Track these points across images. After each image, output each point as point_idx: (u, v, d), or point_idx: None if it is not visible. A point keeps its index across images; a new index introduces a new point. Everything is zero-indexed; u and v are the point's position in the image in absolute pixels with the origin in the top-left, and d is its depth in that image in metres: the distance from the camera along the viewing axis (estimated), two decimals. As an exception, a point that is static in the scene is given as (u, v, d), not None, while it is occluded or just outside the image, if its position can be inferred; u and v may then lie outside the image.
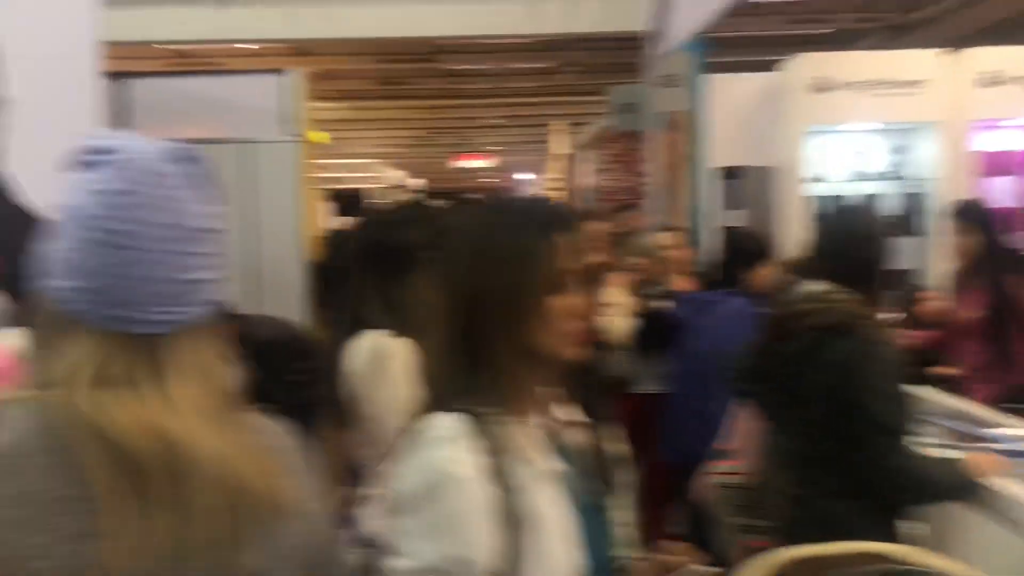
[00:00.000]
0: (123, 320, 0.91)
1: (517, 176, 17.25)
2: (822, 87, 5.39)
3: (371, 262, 1.98)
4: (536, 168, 15.87)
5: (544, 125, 12.60)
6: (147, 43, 7.22)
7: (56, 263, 0.93)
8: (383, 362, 1.88)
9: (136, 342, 0.92)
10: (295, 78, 7.03)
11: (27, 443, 0.89)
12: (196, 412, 0.92)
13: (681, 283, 4.02)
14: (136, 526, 0.87)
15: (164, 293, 0.92)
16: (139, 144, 0.94)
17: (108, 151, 0.93)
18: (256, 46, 8.03)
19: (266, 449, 0.97)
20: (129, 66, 6.88)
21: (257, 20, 7.08)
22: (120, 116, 6.17)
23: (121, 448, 0.88)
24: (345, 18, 7.11)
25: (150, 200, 0.92)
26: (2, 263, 4.41)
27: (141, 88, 6.91)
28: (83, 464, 0.87)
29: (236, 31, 7.14)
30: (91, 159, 0.93)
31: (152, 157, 0.93)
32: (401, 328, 1.88)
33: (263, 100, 7.20)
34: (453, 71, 9.27)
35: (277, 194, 6.66)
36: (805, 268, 2.42)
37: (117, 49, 5.30)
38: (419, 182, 17.53)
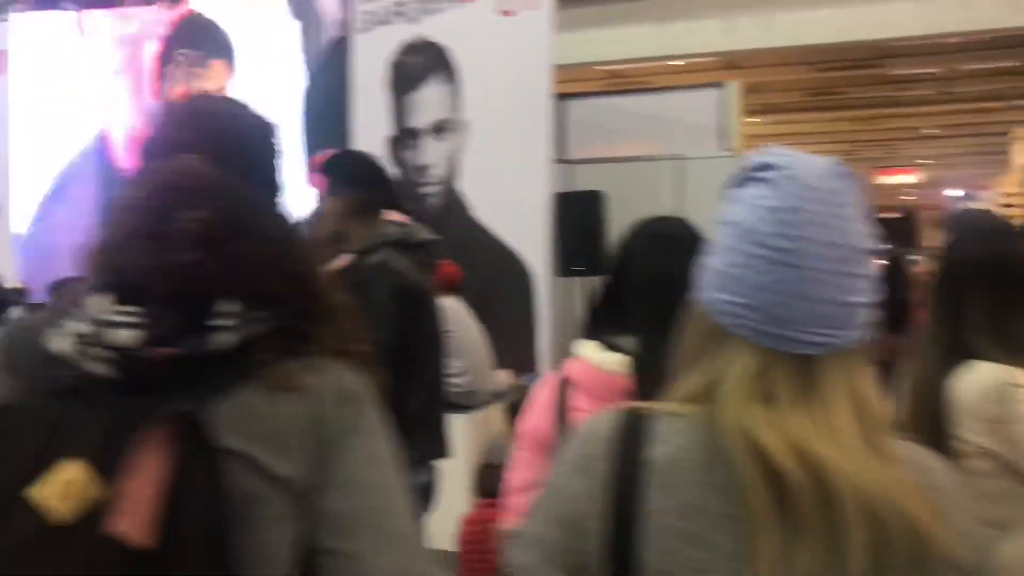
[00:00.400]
0: (779, 338, 0.89)
1: (948, 192, 15.54)
2: None
3: (982, 281, 1.64)
4: (974, 183, 14.15)
5: (1000, 133, 11.12)
6: (587, 65, 7.40)
7: (716, 276, 0.93)
8: (1014, 401, 1.54)
9: (790, 361, 0.90)
10: (731, 92, 6.81)
11: (684, 457, 0.89)
12: (848, 439, 0.87)
13: None
14: (786, 553, 0.84)
15: (824, 314, 0.89)
16: (805, 161, 0.92)
17: (774, 167, 0.92)
18: (682, 62, 7.96)
19: (924, 486, 0.88)
20: (565, 88, 7.12)
21: (695, 34, 6.97)
22: (558, 136, 6.34)
23: (773, 468, 0.85)
24: (786, 25, 6.74)
25: (817, 218, 0.89)
26: (459, 272, 4.62)
27: (577, 108, 7.14)
28: (740, 482, 0.86)
29: (674, 47, 7.08)
30: (757, 175, 0.92)
31: (818, 174, 0.91)
32: (1018, 359, 1.54)
33: (697, 116, 7.08)
34: (896, 77, 8.46)
35: (711, 211, 6.43)
36: None
37: (558, 72, 5.46)
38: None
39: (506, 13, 5.72)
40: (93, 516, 0.78)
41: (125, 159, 8.17)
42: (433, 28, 6.08)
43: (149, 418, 0.81)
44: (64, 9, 8.91)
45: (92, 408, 0.83)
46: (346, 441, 0.91)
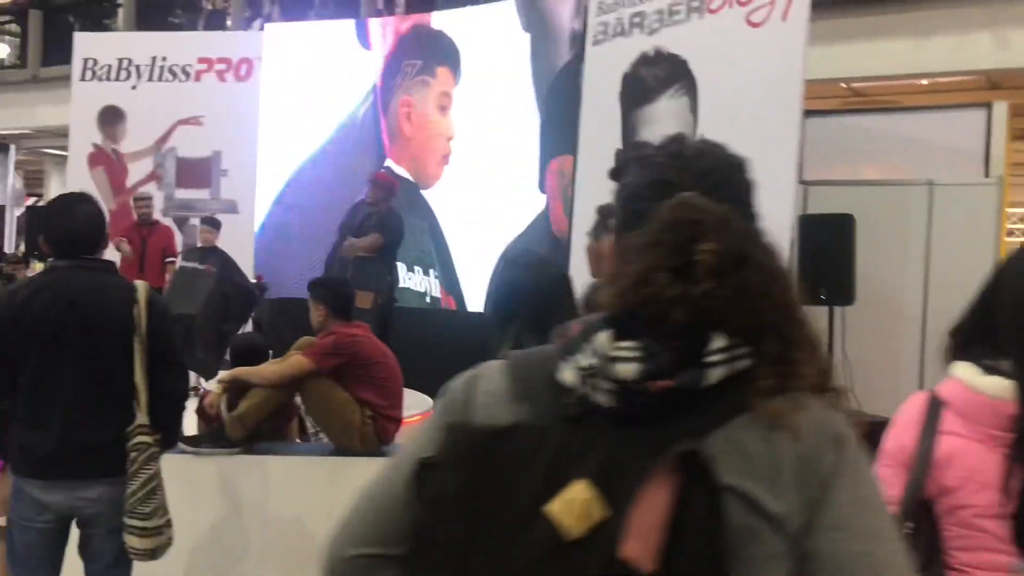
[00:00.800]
0: None
1: None
2: None
3: None
4: None
5: None
6: (829, 81, 6.97)
7: None
8: None
9: None
10: (999, 113, 6.19)
11: None
12: None
13: None
14: None
15: None
16: None
17: None
18: (925, 81, 7.35)
19: None
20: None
21: (960, 51, 6.38)
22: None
23: None
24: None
25: None
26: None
27: (814, 126, 6.71)
28: None
29: (934, 64, 6.52)
30: None
31: None
32: None
33: (952, 138, 6.50)
34: None
35: (967, 242, 5.88)
36: None
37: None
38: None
39: (754, 24, 5.40)
40: (597, 535, 0.83)
41: (372, 162, 8.47)
42: (672, 39, 5.85)
43: (654, 450, 0.84)
44: (312, 19, 9.40)
45: (594, 435, 0.89)
46: (838, 484, 0.90)
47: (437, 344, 7.02)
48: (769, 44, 5.21)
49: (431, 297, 8.09)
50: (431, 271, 8.09)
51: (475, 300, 7.79)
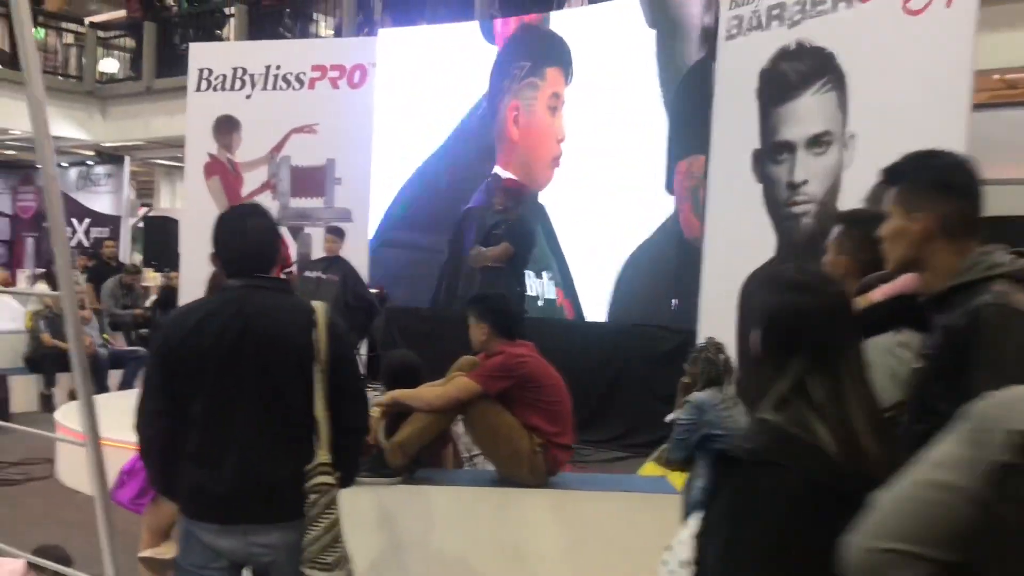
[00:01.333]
0: None
1: None
2: None
3: None
4: None
5: None
6: (987, 72, 6.44)
7: None
8: None
9: None
10: None
11: None
12: None
13: None
14: None
15: None
16: None
17: None
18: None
19: None
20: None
21: None
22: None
23: None
24: None
25: None
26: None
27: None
28: None
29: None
30: None
31: None
32: None
33: None
34: None
35: None
36: None
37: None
38: None
39: (913, 12, 4.96)
40: None
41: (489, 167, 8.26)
42: (816, 32, 5.44)
43: None
44: (421, 24, 9.23)
45: None
46: None
47: (555, 354, 6.71)
48: (932, 33, 4.77)
49: (544, 300, 7.82)
50: (544, 273, 7.83)
51: (593, 306, 7.48)
